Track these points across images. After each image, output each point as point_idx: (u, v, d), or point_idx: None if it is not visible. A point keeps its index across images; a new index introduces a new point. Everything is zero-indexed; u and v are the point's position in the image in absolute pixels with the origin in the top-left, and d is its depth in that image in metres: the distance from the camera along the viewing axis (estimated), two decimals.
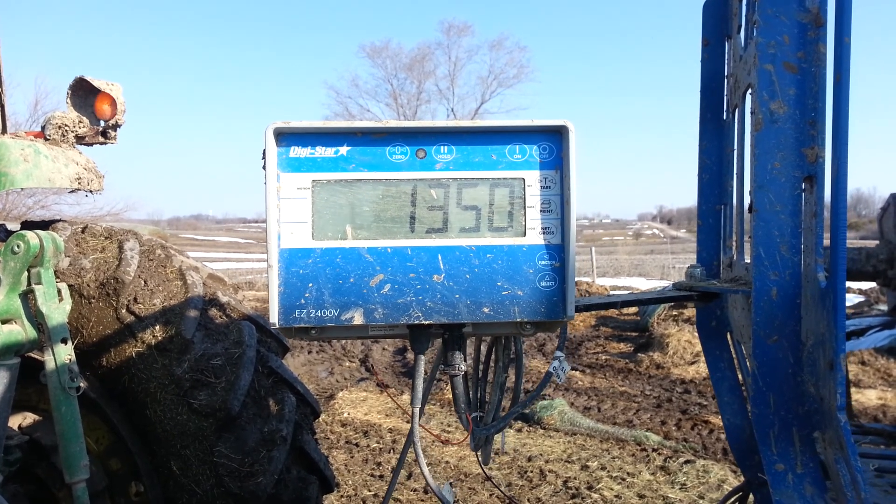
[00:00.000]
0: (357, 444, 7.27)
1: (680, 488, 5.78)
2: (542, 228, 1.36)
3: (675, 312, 13.32)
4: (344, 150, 1.36)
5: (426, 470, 1.44)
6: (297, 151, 1.35)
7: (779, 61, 1.12)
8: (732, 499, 1.94)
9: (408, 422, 8.15)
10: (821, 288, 1.05)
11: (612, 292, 19.47)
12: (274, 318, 1.33)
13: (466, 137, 1.38)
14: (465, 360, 1.44)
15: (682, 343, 10.90)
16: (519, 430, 7.69)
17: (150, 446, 3.00)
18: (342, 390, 9.66)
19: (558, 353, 1.42)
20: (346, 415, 8.37)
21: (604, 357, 11.82)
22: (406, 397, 9.08)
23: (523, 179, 1.37)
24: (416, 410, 1.43)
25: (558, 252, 1.36)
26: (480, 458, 1.62)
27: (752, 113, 1.20)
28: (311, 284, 1.34)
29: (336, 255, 1.34)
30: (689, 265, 1.58)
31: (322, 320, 1.34)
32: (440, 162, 1.37)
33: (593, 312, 16.85)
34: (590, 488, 5.85)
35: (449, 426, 7.92)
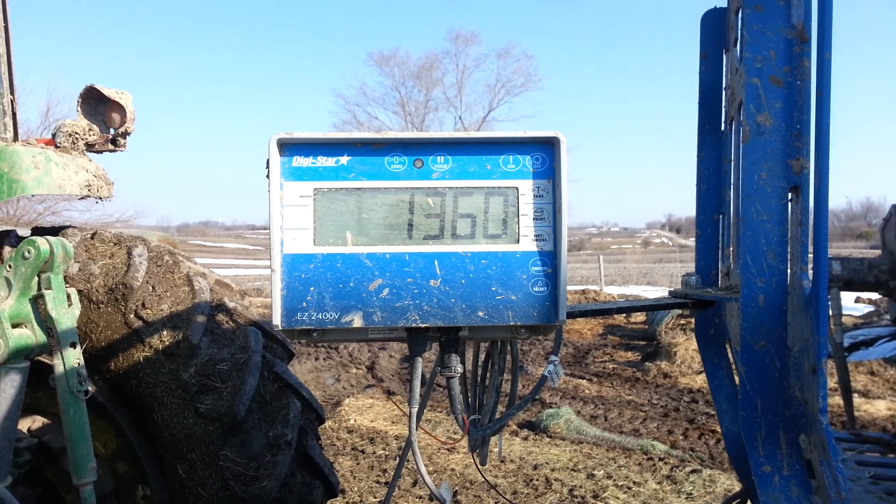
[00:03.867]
0: (363, 451, 7.29)
1: (686, 497, 5.77)
2: (535, 236, 1.41)
3: (682, 321, 13.29)
4: (344, 159, 1.41)
5: (423, 469, 1.47)
6: (300, 161, 1.41)
7: (765, 75, 1.15)
8: (734, 501, 1.96)
9: None
10: (805, 295, 1.08)
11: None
12: (277, 320, 1.38)
13: (462, 148, 1.43)
14: (461, 363, 1.48)
15: (690, 352, 10.88)
16: (525, 439, 7.69)
17: (156, 450, 3.03)
18: (349, 397, 9.68)
19: (553, 358, 1.46)
20: (352, 421, 8.39)
21: (611, 366, 11.81)
22: None
23: (517, 188, 1.42)
24: (413, 411, 1.47)
25: (551, 258, 1.41)
26: (478, 460, 1.65)
27: (739, 125, 1.23)
28: (312, 288, 1.39)
29: (337, 261, 1.39)
30: (685, 273, 1.61)
31: (323, 323, 1.39)
32: (437, 171, 1.42)
33: (601, 321, 16.85)
34: (595, 497, 5.85)
35: (455, 433, 7.93)
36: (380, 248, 1.40)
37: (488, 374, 1.63)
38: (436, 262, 1.40)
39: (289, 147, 1.41)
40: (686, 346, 11.14)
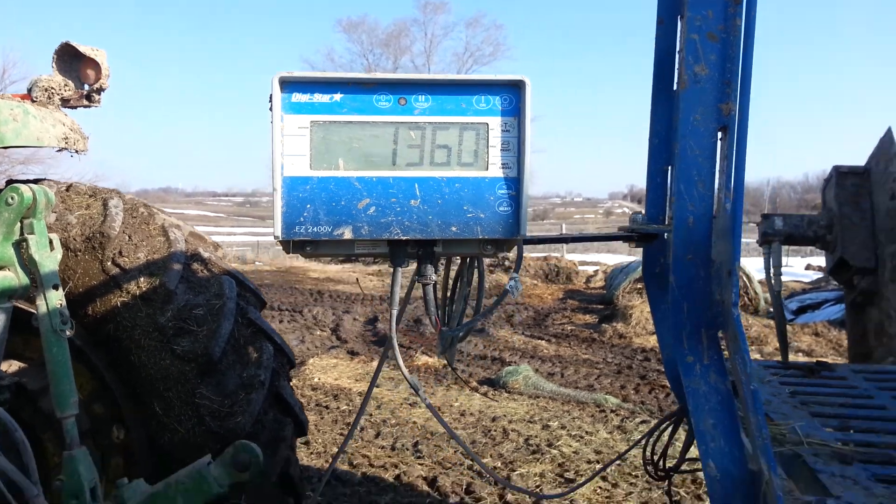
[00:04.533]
0: (327, 407, 7.48)
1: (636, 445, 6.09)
2: (502, 164, 1.63)
3: (639, 286, 13.67)
4: (338, 96, 1.62)
5: (401, 361, 1.67)
6: (298, 97, 1.60)
7: (703, 32, 1.34)
8: (667, 423, 2.18)
9: (376, 385, 8.38)
10: (727, 215, 1.29)
11: (580, 267, 19.85)
12: (277, 231, 1.58)
13: (441, 88, 1.65)
14: (435, 272, 1.70)
15: (645, 314, 11.25)
16: (484, 394, 7.96)
17: (133, 391, 3.14)
18: (313, 357, 9.85)
19: (514, 274, 1.66)
20: (316, 380, 8.57)
21: (569, 328, 12.15)
22: (375, 363, 9.31)
23: (487, 124, 1.63)
24: (394, 312, 1.69)
25: (514, 183, 1.63)
26: (447, 361, 1.85)
27: (678, 74, 1.42)
28: (308, 206, 1.59)
29: (330, 183, 1.60)
30: (634, 212, 1.80)
31: (318, 235, 1.59)
32: (418, 108, 1.63)
33: (561, 287, 17.23)
34: (550, 445, 6.14)
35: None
36: (368, 172, 1.61)
37: (458, 290, 1.84)
38: (416, 186, 1.61)
39: (289, 84, 1.60)
40: (641, 309, 11.51)
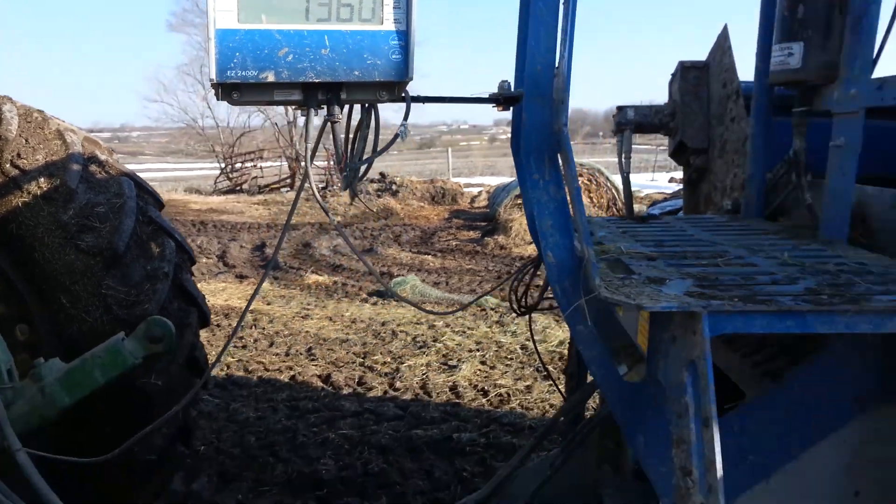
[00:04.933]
0: (219, 325, 7.64)
1: (511, 335, 6.69)
2: (394, 20, 1.98)
3: (519, 202, 14.33)
4: None
5: (317, 192, 1.99)
6: None
7: None
8: (528, 267, 2.61)
9: (267, 304, 8.60)
10: (564, 63, 1.67)
11: (465, 189, 20.40)
12: (212, 75, 1.89)
13: None
14: (340, 113, 2.03)
15: (524, 226, 11.89)
16: (374, 304, 8.36)
17: (38, 287, 3.26)
18: (200, 282, 9.91)
19: (403, 122, 2.02)
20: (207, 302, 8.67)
21: (454, 243, 12.68)
22: (265, 285, 9.48)
23: None
24: (309, 146, 2.01)
25: (404, 35, 2.00)
26: (352, 193, 2.18)
27: None
28: (237, 54, 1.90)
29: (255, 35, 1.91)
30: (502, 80, 2.13)
31: (246, 78, 1.91)
32: None
33: (447, 208, 17.74)
34: (435, 341, 6.64)
35: (308, 305, 8.46)
36: (286, 26, 1.92)
37: (358, 134, 2.16)
38: (326, 37, 1.94)
39: None
40: (520, 222, 12.15)
